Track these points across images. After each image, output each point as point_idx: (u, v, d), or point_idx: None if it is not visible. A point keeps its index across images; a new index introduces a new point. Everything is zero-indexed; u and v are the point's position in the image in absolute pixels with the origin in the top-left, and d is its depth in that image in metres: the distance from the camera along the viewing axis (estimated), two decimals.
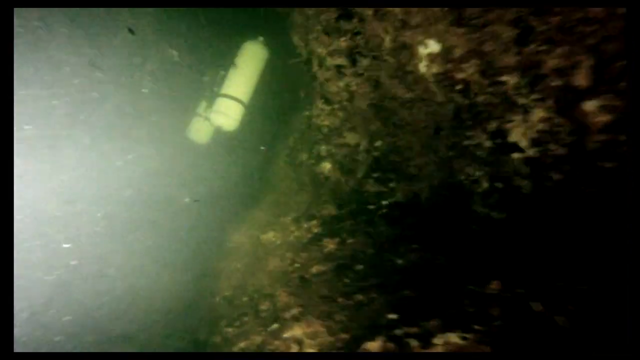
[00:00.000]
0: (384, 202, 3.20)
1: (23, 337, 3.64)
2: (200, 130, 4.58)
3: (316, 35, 3.48)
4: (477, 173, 2.40)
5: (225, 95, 4.40)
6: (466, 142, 2.39)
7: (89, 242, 4.23)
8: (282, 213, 4.57)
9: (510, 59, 1.94)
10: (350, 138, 4.00)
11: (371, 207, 3.35)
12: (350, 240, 3.21)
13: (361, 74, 3.32)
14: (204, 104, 4.65)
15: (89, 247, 4.23)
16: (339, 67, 3.54)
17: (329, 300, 2.46)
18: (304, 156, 4.87)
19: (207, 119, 4.44)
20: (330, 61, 3.47)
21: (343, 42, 3.16)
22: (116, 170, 4.52)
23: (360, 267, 2.76)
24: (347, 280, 2.60)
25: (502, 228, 2.40)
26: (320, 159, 4.49)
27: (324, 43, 3.39)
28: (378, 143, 3.50)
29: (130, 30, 4.22)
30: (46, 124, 3.78)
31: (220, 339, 3.35)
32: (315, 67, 3.91)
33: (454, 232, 2.63)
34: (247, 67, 4.45)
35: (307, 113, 4.69)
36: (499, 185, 2.33)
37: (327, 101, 4.06)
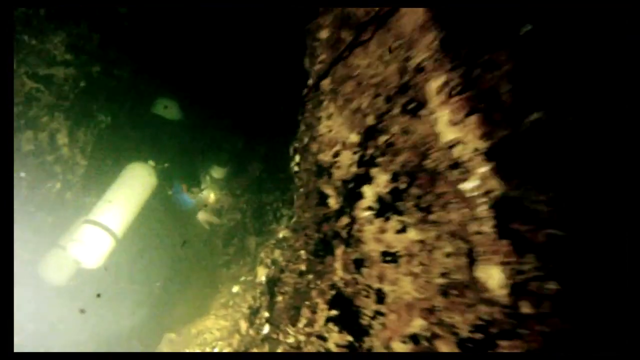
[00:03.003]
0: None
1: None
2: (55, 265, 3.31)
3: None
4: None
5: (89, 221, 3.26)
6: None
7: None
8: None
9: None
10: None
11: None
12: None
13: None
14: (70, 231, 3.47)
15: None
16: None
17: None
18: None
19: (64, 248, 3.27)
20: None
21: None
22: None
23: None
24: None
25: None
26: None
27: None
28: None
29: None
30: None
31: None
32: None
33: None
34: (123, 192, 3.46)
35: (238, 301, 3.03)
36: None
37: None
